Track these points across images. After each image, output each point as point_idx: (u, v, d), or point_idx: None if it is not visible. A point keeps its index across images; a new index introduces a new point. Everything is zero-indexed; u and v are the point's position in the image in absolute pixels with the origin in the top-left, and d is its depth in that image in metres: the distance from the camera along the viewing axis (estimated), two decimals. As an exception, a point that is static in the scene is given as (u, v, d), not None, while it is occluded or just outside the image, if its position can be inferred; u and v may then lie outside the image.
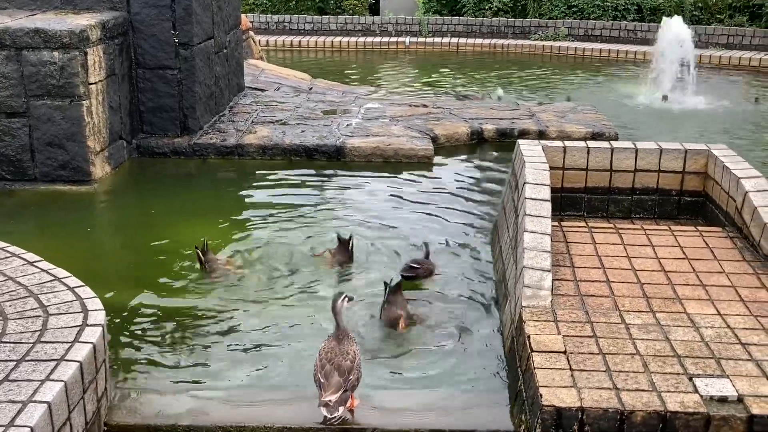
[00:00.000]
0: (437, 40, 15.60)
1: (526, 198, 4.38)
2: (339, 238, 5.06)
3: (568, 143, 5.19)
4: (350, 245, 4.99)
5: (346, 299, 3.42)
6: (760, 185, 4.45)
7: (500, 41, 15.38)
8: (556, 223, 4.62)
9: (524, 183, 4.53)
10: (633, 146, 5.06)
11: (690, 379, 3.05)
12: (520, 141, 5.27)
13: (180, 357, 3.94)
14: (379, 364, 3.88)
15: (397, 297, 4.25)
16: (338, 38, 15.84)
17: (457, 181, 6.71)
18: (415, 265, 4.74)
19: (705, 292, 3.83)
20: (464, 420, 3.38)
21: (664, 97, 10.42)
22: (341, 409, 3.19)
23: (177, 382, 3.71)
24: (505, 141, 7.71)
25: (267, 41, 15.43)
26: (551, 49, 14.90)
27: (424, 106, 8.84)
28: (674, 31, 11.17)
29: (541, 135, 7.68)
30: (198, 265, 4.84)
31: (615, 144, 5.16)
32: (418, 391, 3.63)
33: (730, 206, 4.63)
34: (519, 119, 8.22)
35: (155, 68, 7.13)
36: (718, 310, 3.65)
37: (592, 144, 5.17)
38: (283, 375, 3.77)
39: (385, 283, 4.32)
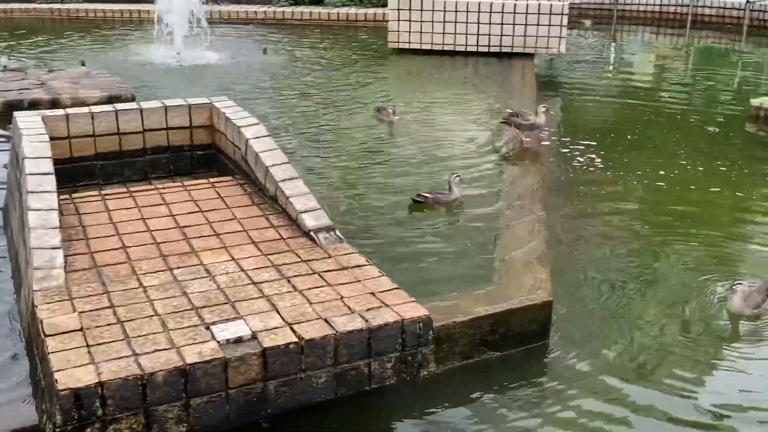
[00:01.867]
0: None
1: (27, 174, 4.07)
2: None
3: (70, 110, 4.94)
4: None
5: None
6: (259, 132, 4.72)
7: (1, 6, 14.06)
8: (66, 197, 4.39)
9: (23, 158, 4.21)
10: (138, 106, 5.01)
11: (207, 328, 3.14)
12: (16, 114, 4.87)
13: None
14: None
15: None
16: None
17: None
18: None
19: (219, 241, 3.98)
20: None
21: (178, 54, 10.54)
22: None
23: None
24: (15, 114, 7.10)
25: None
26: (60, 13, 14.08)
27: None
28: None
29: (55, 104, 7.23)
30: None
31: (119, 106, 5.06)
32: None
33: (236, 155, 4.86)
34: (28, 89, 7.66)
35: None
36: (232, 256, 3.81)
37: (95, 109, 4.99)
38: None
39: None
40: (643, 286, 4.81)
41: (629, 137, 8.26)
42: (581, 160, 7.25)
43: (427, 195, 5.48)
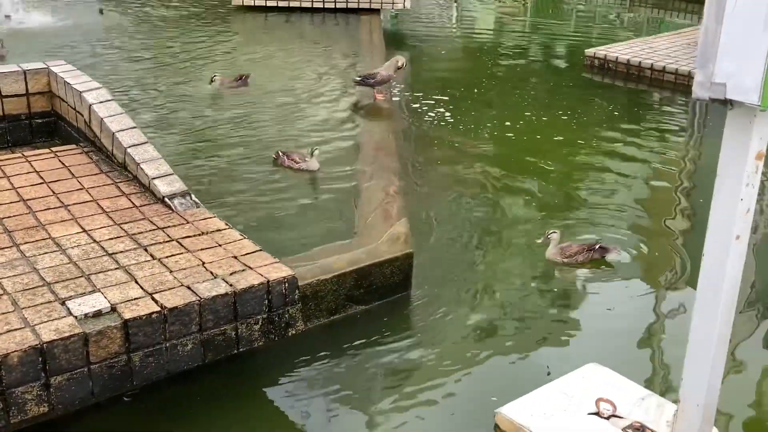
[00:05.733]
0: None
1: None
2: None
3: None
4: None
5: None
6: (102, 96, 4.51)
7: None
8: None
9: None
10: (-34, 74, 4.65)
11: (63, 303, 3.01)
12: None
13: None
14: None
15: None
16: None
17: None
18: None
19: (68, 213, 3.79)
20: None
21: (8, 17, 9.85)
22: None
23: None
24: None
25: None
26: None
27: None
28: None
29: None
30: None
31: (-55, 74, 4.68)
32: None
33: (79, 121, 4.62)
34: None
35: None
36: (83, 227, 3.65)
37: None
38: None
39: None
40: (492, 233, 5.04)
41: (476, 90, 8.50)
42: (432, 114, 7.40)
43: (282, 155, 5.43)
